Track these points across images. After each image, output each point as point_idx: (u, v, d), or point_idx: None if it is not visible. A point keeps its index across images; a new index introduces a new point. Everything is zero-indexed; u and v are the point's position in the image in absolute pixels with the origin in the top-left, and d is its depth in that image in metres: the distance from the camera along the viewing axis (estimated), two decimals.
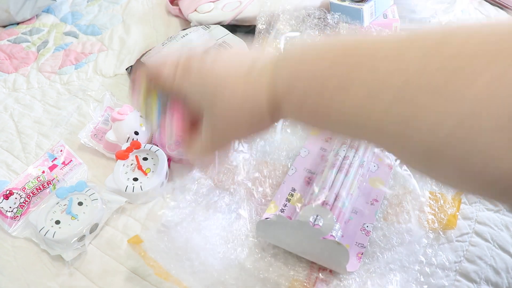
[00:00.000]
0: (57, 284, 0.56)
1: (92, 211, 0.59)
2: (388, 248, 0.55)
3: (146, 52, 0.84)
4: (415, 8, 0.84)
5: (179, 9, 0.94)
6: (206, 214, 0.58)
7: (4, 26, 1.01)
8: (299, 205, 0.59)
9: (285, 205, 0.60)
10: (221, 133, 0.39)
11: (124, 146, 0.67)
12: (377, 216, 0.58)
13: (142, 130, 0.70)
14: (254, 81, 0.35)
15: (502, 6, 0.93)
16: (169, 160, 0.69)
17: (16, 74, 0.87)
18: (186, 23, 0.92)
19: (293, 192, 0.61)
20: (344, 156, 0.62)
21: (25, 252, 0.59)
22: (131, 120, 0.69)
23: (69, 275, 0.56)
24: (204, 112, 0.38)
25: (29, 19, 1.01)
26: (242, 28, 0.83)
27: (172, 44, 0.81)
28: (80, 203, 0.60)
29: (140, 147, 0.67)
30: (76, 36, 0.95)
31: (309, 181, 0.62)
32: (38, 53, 0.92)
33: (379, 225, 0.57)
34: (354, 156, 0.61)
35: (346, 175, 0.59)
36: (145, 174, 0.64)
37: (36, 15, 1.02)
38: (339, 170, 0.60)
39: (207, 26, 0.83)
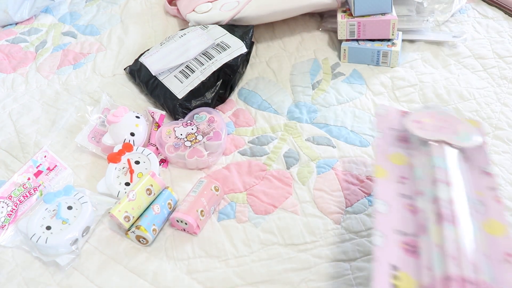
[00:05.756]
0: (55, 282, 0.56)
1: (82, 214, 0.59)
2: None
3: (145, 52, 0.84)
4: (412, 7, 0.84)
5: (177, 9, 0.95)
6: None
7: (3, 26, 1.01)
8: None
9: None
10: None
11: (116, 149, 0.66)
12: None
13: (139, 131, 0.69)
14: None
15: (499, 6, 0.94)
16: (166, 162, 0.69)
17: (14, 74, 0.87)
18: (184, 23, 0.92)
19: (395, 272, 0.41)
20: (450, 200, 0.43)
21: (23, 251, 0.59)
22: (127, 122, 0.69)
23: (67, 273, 0.56)
24: None
25: (28, 19, 1.01)
26: (240, 28, 0.83)
27: (170, 44, 0.81)
28: (69, 207, 0.60)
29: (132, 150, 0.66)
30: (74, 36, 0.96)
31: (412, 249, 0.43)
32: (36, 53, 0.92)
33: None
34: (456, 196, 0.44)
35: (464, 227, 0.41)
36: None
37: (35, 15, 1.02)
38: (453, 222, 0.42)
39: (205, 26, 0.84)
